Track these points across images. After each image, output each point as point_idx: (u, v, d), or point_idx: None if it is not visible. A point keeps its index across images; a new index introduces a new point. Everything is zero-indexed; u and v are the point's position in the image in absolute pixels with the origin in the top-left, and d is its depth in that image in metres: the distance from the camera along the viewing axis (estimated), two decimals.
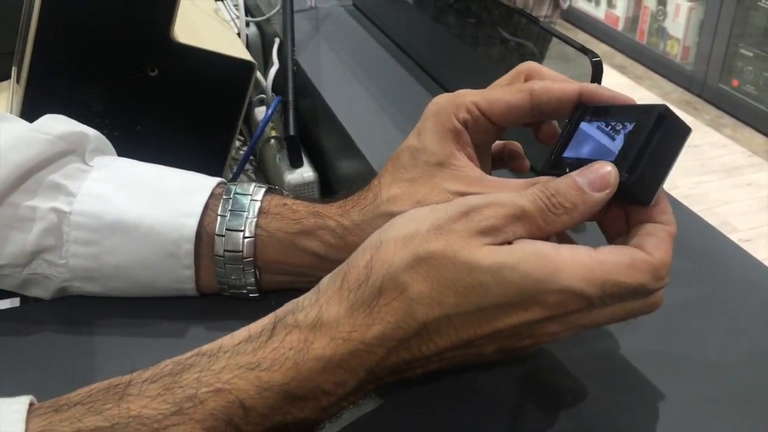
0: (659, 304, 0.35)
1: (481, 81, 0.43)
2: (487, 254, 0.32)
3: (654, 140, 0.34)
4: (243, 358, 0.32)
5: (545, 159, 0.40)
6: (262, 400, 0.32)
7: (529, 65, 0.42)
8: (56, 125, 0.45)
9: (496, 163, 0.45)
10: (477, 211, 0.33)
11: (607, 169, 0.34)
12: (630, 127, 0.35)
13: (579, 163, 0.36)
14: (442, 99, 0.41)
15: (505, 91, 0.40)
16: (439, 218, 0.33)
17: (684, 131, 0.35)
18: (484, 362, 0.38)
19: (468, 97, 0.41)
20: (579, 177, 0.34)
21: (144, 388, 0.31)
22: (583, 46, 0.47)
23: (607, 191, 0.34)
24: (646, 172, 0.34)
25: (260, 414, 0.32)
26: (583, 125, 0.38)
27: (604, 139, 0.36)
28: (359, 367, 0.32)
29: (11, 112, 0.59)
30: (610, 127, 0.36)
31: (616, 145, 0.35)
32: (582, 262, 0.32)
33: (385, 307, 0.32)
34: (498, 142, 0.45)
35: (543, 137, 0.42)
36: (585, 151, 0.37)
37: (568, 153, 0.38)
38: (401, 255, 0.33)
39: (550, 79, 0.40)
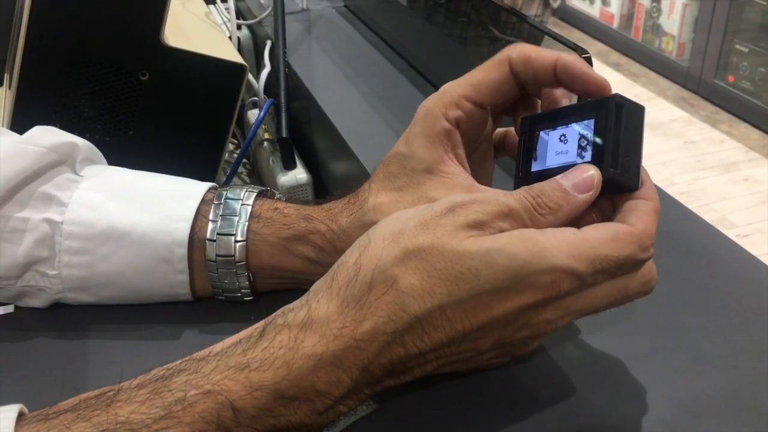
0: (653, 283, 0.35)
1: None
2: (474, 242, 0.32)
3: (621, 129, 0.35)
4: (233, 359, 0.32)
5: (515, 177, 0.40)
6: (253, 401, 0.31)
7: (514, 46, 0.41)
8: (46, 136, 0.45)
9: (497, 151, 0.45)
10: (463, 206, 0.34)
11: (590, 173, 0.35)
12: (590, 126, 0.36)
13: (550, 174, 0.36)
14: (430, 102, 0.41)
15: (486, 69, 0.40)
16: (425, 215, 0.34)
17: (640, 110, 0.36)
18: (484, 367, 0.38)
19: (454, 91, 0.40)
20: (563, 180, 0.35)
21: (133, 394, 0.31)
22: (574, 43, 0.47)
23: (591, 193, 0.35)
24: (627, 161, 0.35)
25: (251, 416, 0.32)
26: (543, 135, 0.39)
27: (572, 148, 0.37)
28: (353, 365, 0.32)
29: (2, 119, 0.59)
30: (570, 130, 0.37)
31: (586, 152, 0.36)
32: (567, 240, 0.32)
33: (375, 301, 0.32)
34: (499, 130, 0.45)
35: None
36: (555, 162, 0.38)
37: (536, 167, 0.39)
38: (390, 250, 0.33)
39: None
